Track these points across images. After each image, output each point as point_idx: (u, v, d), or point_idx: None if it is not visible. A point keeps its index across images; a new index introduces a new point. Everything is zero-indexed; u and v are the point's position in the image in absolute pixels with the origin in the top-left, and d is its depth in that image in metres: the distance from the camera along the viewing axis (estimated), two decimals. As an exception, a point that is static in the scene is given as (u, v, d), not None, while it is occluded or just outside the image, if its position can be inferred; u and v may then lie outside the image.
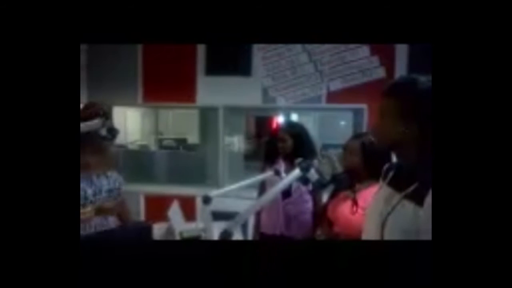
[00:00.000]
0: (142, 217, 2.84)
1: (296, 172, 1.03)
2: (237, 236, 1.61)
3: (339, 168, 1.13)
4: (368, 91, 2.56)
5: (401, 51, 2.51)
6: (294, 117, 4.05)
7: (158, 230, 1.82)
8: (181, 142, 5.03)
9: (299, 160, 1.46)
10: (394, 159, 1.11)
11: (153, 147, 5.07)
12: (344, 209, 1.29)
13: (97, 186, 1.44)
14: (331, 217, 1.38)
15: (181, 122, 5.49)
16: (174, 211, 2.08)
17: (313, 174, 1.03)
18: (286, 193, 1.70)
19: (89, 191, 1.39)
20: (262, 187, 1.85)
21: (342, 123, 3.50)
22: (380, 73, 2.53)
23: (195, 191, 3.00)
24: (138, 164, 3.39)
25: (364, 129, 2.58)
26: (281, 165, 1.74)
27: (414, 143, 0.77)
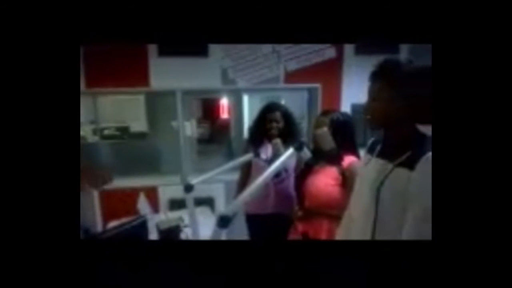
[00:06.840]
0: (98, 214, 2.61)
1: (290, 151, 1.07)
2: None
3: (331, 144, 1.20)
4: (321, 70, 2.70)
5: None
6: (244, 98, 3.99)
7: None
8: (123, 130, 4.66)
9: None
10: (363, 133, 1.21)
11: (90, 138, 4.59)
12: (321, 183, 1.38)
13: None
14: (307, 191, 1.45)
15: (121, 109, 5.04)
16: (142, 204, 1.97)
17: (306, 152, 1.08)
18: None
19: None
20: (247, 170, 1.83)
21: (293, 101, 3.61)
22: (331, 53, 2.69)
23: (153, 181, 2.86)
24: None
25: (319, 107, 2.75)
26: (268, 147, 1.74)
27: (406, 119, 0.86)
